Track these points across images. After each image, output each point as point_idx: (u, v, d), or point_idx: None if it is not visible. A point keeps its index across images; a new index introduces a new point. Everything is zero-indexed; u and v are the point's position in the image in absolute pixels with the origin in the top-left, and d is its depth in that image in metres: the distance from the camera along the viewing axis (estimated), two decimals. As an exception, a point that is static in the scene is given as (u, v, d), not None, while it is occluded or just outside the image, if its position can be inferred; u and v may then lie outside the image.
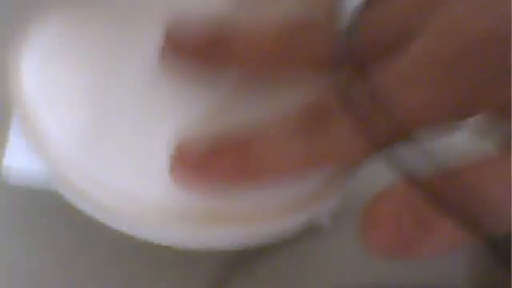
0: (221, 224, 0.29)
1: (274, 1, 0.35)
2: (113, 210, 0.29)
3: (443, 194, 0.26)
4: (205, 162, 0.29)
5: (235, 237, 0.30)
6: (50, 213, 0.33)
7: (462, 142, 0.31)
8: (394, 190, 0.27)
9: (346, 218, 0.33)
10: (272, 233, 0.30)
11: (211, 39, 0.32)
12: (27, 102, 0.31)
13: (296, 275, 0.33)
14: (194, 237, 0.29)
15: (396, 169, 0.27)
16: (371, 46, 0.30)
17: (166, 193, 0.29)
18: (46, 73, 0.32)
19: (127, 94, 0.32)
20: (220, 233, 0.29)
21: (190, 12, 0.33)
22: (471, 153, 0.28)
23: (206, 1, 0.34)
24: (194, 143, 0.30)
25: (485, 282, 0.34)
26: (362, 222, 0.27)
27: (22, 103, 0.31)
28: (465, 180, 0.27)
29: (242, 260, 0.33)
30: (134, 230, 0.29)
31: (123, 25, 0.33)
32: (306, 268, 0.33)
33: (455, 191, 0.26)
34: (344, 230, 0.34)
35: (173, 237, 0.29)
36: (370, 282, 0.33)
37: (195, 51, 0.32)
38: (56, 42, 0.33)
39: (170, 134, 0.30)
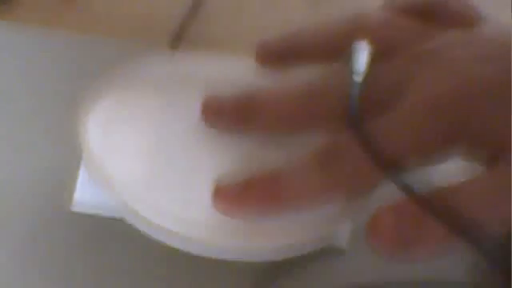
0: (253, 240, 0.35)
1: (294, 69, 0.41)
2: (171, 233, 0.35)
3: (437, 205, 0.32)
4: (240, 193, 0.35)
5: (265, 251, 0.36)
6: (113, 239, 0.38)
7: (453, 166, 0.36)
8: (395, 203, 0.33)
9: (360, 237, 0.38)
10: (297, 248, 0.36)
11: (239, 107, 0.39)
12: (93, 151, 0.37)
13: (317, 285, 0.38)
14: (231, 250, 0.35)
15: (399, 188, 0.32)
16: (372, 102, 0.36)
17: (209, 218, 0.36)
18: (108, 129, 0.38)
19: (175, 144, 0.38)
20: (253, 247, 0.35)
21: (223, 82, 0.40)
22: (460, 173, 0.34)
23: (235, 72, 0.41)
24: (231, 180, 0.36)
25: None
26: (367, 229, 0.33)
27: (89, 153, 0.37)
28: (455, 194, 0.32)
29: (271, 275, 0.38)
30: (186, 246, 0.35)
31: (170, 95, 0.41)
32: (324, 279, 0.38)
33: (447, 203, 0.32)
34: (359, 247, 0.38)
35: (218, 251, 0.35)
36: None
37: (227, 118, 0.39)
38: (116, 106, 0.40)
39: (211, 175, 0.37)
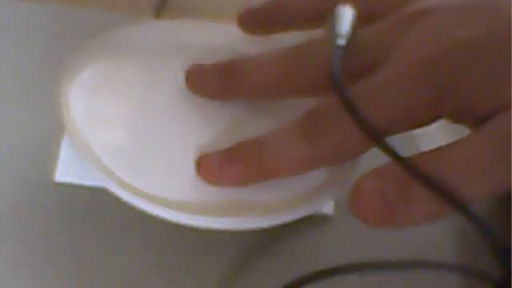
0: (239, 213, 0.35)
1: (278, 36, 0.41)
2: (153, 199, 0.35)
3: (423, 169, 0.31)
4: (223, 161, 0.35)
5: (249, 223, 0.35)
6: (97, 209, 0.38)
7: (437, 128, 0.36)
8: (380, 169, 0.32)
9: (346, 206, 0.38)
10: (282, 220, 0.35)
11: (223, 73, 0.38)
12: (76, 123, 0.37)
13: (308, 255, 0.37)
14: (217, 218, 0.35)
15: (384, 152, 0.32)
16: (357, 66, 0.36)
17: (193, 186, 0.35)
18: (90, 99, 0.38)
19: (159, 112, 0.38)
20: (237, 220, 0.35)
21: (207, 49, 0.40)
22: (447, 136, 0.34)
23: (219, 39, 0.40)
24: (215, 148, 0.36)
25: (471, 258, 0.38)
26: (351, 195, 0.32)
27: (72, 123, 0.37)
28: (441, 158, 0.32)
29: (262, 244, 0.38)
30: (173, 215, 0.35)
31: (153, 63, 0.40)
32: (314, 249, 0.37)
33: (433, 167, 0.32)
34: (346, 216, 0.39)
35: (204, 220, 0.35)
36: (370, 259, 0.37)
37: (211, 84, 0.38)
38: (99, 75, 0.39)
39: (196, 142, 0.37)
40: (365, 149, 0.34)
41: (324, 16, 0.38)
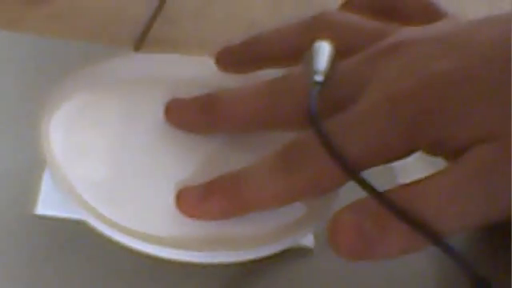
0: (218, 247, 0.35)
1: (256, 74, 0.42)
2: (133, 233, 0.35)
3: (399, 203, 0.32)
4: (202, 195, 0.35)
5: (229, 257, 0.35)
6: (77, 242, 0.38)
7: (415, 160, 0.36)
8: (356, 202, 0.33)
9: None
10: (262, 254, 0.36)
11: (203, 107, 0.38)
12: (55, 157, 0.37)
13: None
14: (196, 252, 0.35)
15: (360, 186, 0.32)
16: (334, 101, 0.36)
17: (173, 220, 0.36)
18: (71, 132, 0.38)
19: (139, 146, 0.38)
20: (217, 254, 0.35)
21: (186, 83, 0.40)
22: (425, 168, 0.34)
23: (198, 73, 0.41)
24: (194, 182, 0.36)
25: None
26: (328, 229, 0.33)
27: (52, 158, 0.37)
28: (416, 191, 0.32)
29: (240, 278, 0.38)
30: (152, 249, 0.35)
31: (133, 96, 0.40)
32: (295, 282, 0.37)
33: (409, 201, 0.32)
34: (327, 248, 0.39)
35: (183, 253, 0.35)
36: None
37: (191, 118, 0.39)
38: (79, 108, 0.39)
39: (176, 176, 0.37)
40: (342, 182, 0.34)
41: (302, 52, 0.39)
